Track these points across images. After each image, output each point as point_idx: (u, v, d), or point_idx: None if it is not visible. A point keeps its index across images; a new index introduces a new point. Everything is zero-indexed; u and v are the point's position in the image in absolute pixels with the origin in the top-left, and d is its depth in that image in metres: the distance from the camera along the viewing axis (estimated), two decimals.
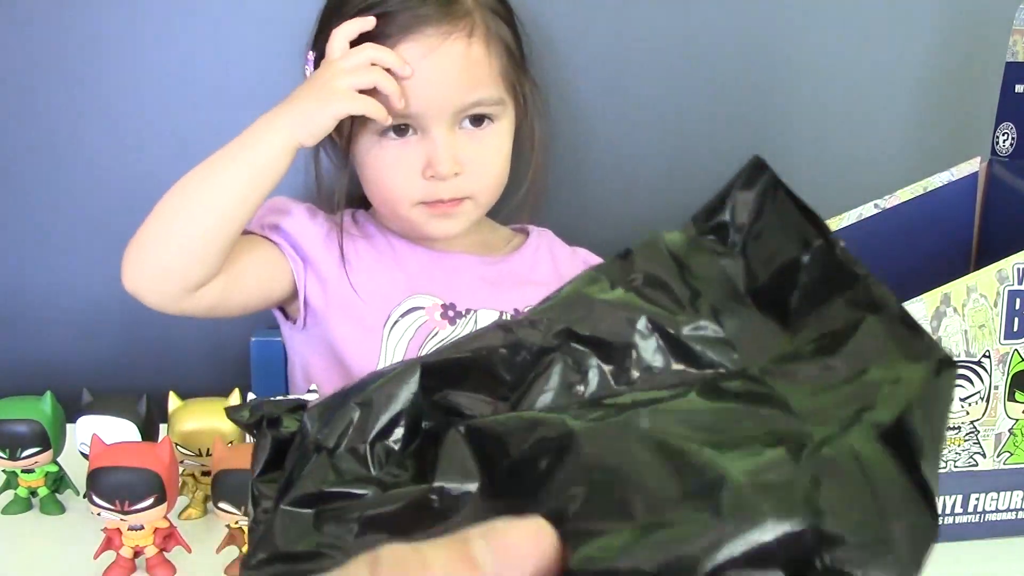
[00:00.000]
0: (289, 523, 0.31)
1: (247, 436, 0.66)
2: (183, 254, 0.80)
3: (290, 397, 0.35)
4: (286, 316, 0.95)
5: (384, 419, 0.33)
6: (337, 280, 0.91)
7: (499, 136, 0.92)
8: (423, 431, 0.33)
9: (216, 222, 0.80)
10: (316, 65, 0.90)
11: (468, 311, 0.95)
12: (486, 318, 0.95)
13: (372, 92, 0.84)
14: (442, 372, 0.33)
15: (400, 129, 0.89)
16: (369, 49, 0.84)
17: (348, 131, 0.91)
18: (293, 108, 0.83)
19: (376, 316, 0.92)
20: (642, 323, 0.33)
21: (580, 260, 1.05)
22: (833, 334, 0.29)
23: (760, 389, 0.29)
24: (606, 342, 0.33)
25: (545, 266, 1.02)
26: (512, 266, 1.00)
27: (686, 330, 0.32)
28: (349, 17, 0.87)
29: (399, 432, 0.33)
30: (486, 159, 0.91)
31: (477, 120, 0.90)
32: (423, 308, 0.93)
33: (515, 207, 1.02)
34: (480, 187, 0.92)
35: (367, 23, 0.86)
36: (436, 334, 0.93)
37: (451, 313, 0.94)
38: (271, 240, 0.90)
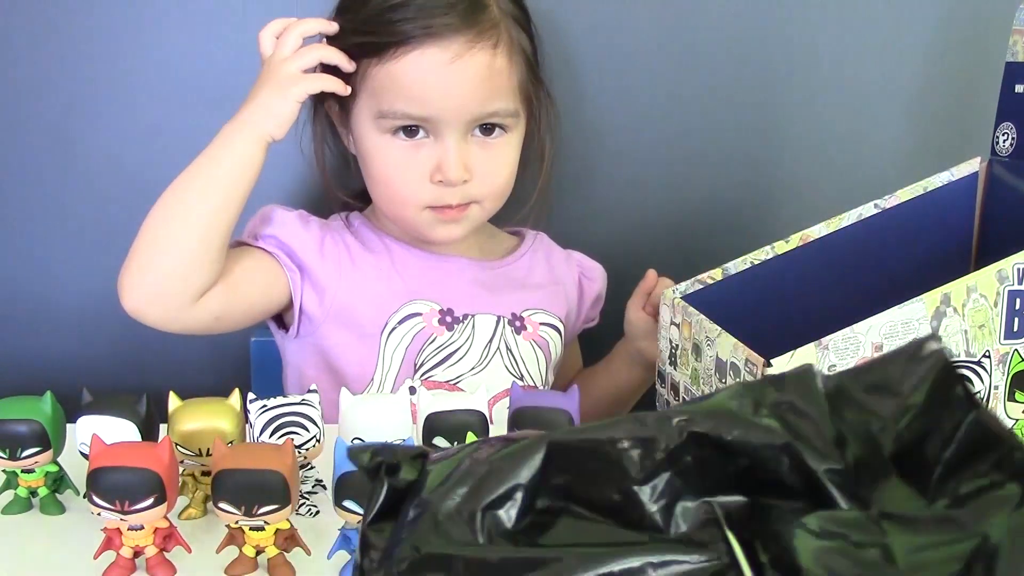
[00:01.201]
0: None
1: (247, 436, 0.66)
2: (178, 263, 0.80)
3: (412, 444, 0.35)
4: (279, 324, 0.95)
5: (501, 490, 0.33)
6: (334, 288, 0.91)
7: (508, 146, 0.92)
8: (537, 510, 0.33)
9: (204, 227, 0.81)
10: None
11: (466, 316, 0.94)
12: (484, 323, 0.95)
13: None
14: (568, 454, 0.34)
15: (410, 130, 0.88)
16: (317, 49, 0.85)
17: (346, 120, 0.91)
18: (253, 105, 0.83)
19: (374, 323, 0.92)
20: (779, 446, 0.33)
21: (575, 263, 1.05)
22: (967, 495, 0.30)
23: (870, 536, 0.30)
24: (737, 451, 0.33)
25: (541, 270, 1.02)
26: (508, 270, 1.00)
27: (823, 466, 0.32)
28: (364, 16, 0.87)
29: (514, 506, 0.33)
30: (494, 168, 0.91)
31: (488, 129, 0.90)
32: (420, 314, 0.93)
33: (522, 217, 1.02)
34: (486, 194, 0.91)
35: (328, 27, 0.87)
36: (434, 340, 0.93)
37: (448, 319, 0.94)
38: (267, 251, 0.89)
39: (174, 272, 0.80)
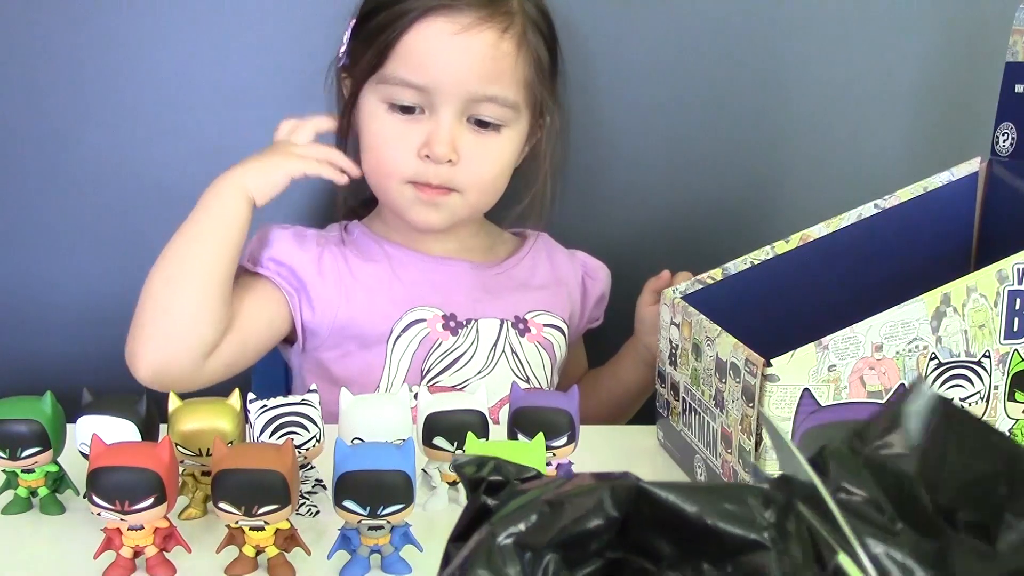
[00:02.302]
0: None
1: (247, 436, 0.66)
2: (183, 323, 0.81)
3: (523, 465, 0.32)
4: (285, 339, 0.95)
5: (571, 528, 0.30)
6: (335, 304, 0.91)
7: (503, 143, 0.92)
8: (606, 559, 0.30)
9: (202, 283, 0.81)
10: (353, 32, 0.92)
11: (469, 321, 0.94)
12: (487, 327, 0.95)
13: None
14: (659, 507, 0.30)
15: (408, 109, 0.89)
16: (326, 149, 0.88)
17: (350, 99, 0.92)
18: (250, 164, 0.85)
19: (378, 333, 0.92)
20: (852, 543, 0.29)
21: (578, 263, 1.05)
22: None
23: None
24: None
25: (543, 270, 1.02)
26: (510, 271, 1.00)
27: (886, 550, 0.29)
28: None
29: (584, 550, 0.30)
30: (483, 159, 0.91)
31: (484, 124, 0.90)
32: (424, 320, 0.93)
33: (516, 216, 1.02)
34: (469, 184, 0.91)
35: (331, 124, 0.91)
36: (439, 345, 0.92)
37: (452, 324, 0.93)
38: (264, 275, 0.90)
39: (181, 333, 0.81)
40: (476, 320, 0.94)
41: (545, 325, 0.98)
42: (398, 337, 0.92)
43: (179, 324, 0.81)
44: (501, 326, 0.95)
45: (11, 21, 1.00)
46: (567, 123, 1.01)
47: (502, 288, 0.98)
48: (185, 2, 1.02)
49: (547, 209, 1.01)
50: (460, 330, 0.93)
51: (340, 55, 0.95)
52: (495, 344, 0.95)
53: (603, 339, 1.07)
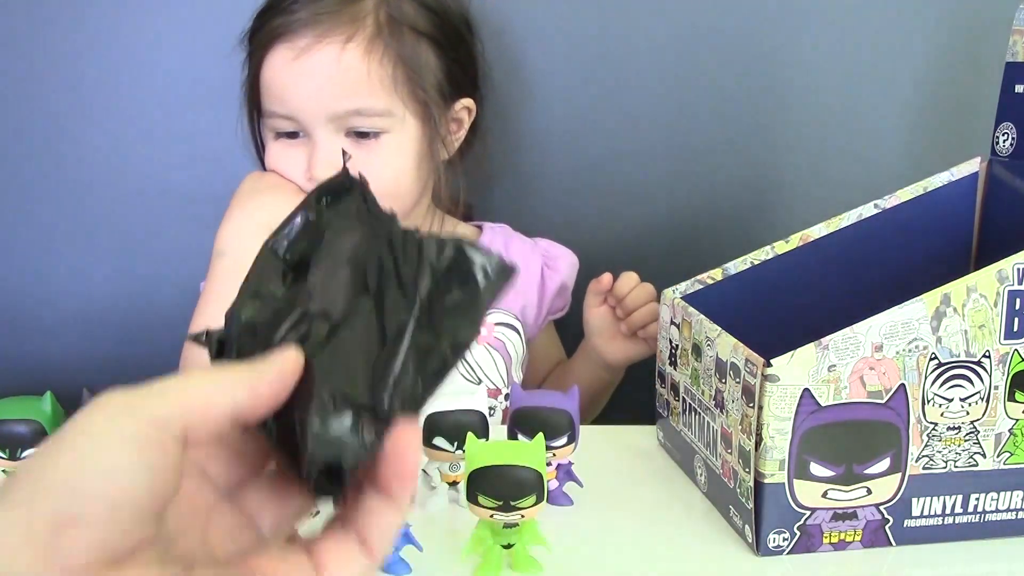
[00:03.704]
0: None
1: None
2: None
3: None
4: None
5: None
6: None
7: (390, 149, 0.90)
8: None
9: None
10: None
11: None
12: None
13: None
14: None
15: (292, 134, 0.90)
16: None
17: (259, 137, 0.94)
18: None
19: None
20: None
21: (540, 252, 1.03)
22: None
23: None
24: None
25: None
26: None
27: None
28: (264, 20, 0.90)
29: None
30: (373, 170, 0.89)
31: (362, 134, 0.89)
32: None
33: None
34: None
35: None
36: None
37: None
38: None
39: None
40: None
41: (496, 324, 0.97)
42: None
43: None
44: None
45: (11, 21, 1.00)
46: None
47: None
48: (185, 2, 1.02)
49: (454, 197, 1.00)
50: None
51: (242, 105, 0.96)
52: None
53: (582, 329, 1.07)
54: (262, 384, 0.32)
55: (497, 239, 1.03)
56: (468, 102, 0.97)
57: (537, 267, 1.03)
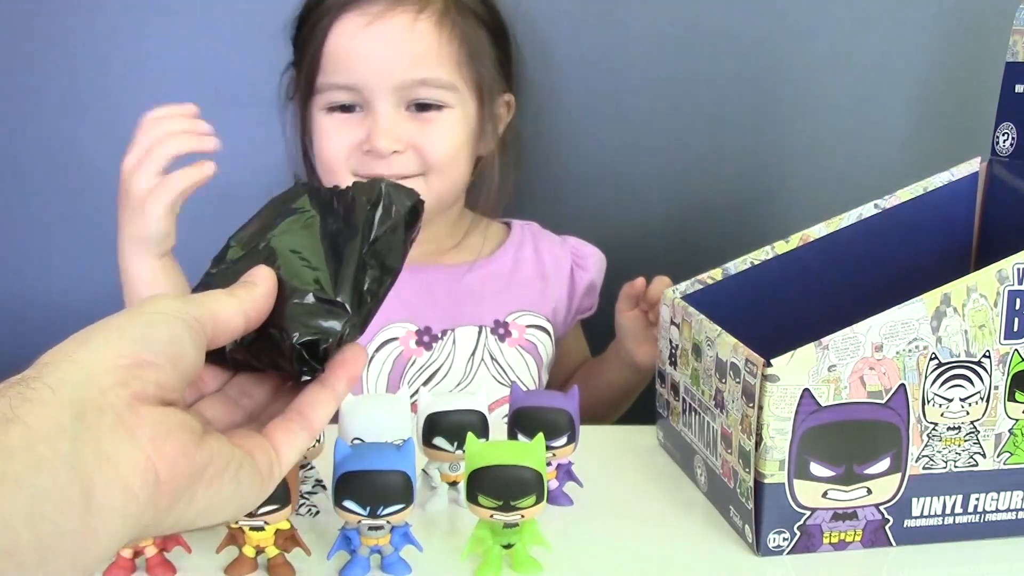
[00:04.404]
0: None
1: None
2: None
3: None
4: None
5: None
6: None
7: (449, 123, 0.90)
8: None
9: None
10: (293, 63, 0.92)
11: (445, 332, 0.93)
12: (464, 336, 0.94)
13: None
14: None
15: (347, 107, 0.89)
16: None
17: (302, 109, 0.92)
18: (125, 236, 0.80)
19: None
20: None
21: (569, 250, 1.03)
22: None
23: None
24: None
25: (529, 263, 1.00)
26: (493, 267, 0.98)
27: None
28: (306, 7, 0.90)
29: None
30: (432, 141, 0.89)
31: (424, 106, 0.89)
32: (397, 339, 0.91)
33: (480, 204, 1.01)
34: (425, 167, 0.89)
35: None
36: (413, 362, 0.91)
37: (426, 338, 0.92)
38: None
39: None
40: (453, 330, 0.93)
41: (528, 326, 0.97)
42: (371, 359, 0.91)
43: None
44: (480, 333, 0.94)
45: (11, 21, 1.00)
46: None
47: (482, 290, 0.97)
48: (185, 2, 1.02)
49: (494, 196, 1.00)
50: (435, 343, 0.92)
51: (288, 92, 0.95)
52: (473, 354, 0.94)
53: (609, 329, 1.07)
54: (260, 298, 0.42)
55: (527, 236, 1.02)
56: (509, 97, 0.98)
57: (567, 266, 1.02)
